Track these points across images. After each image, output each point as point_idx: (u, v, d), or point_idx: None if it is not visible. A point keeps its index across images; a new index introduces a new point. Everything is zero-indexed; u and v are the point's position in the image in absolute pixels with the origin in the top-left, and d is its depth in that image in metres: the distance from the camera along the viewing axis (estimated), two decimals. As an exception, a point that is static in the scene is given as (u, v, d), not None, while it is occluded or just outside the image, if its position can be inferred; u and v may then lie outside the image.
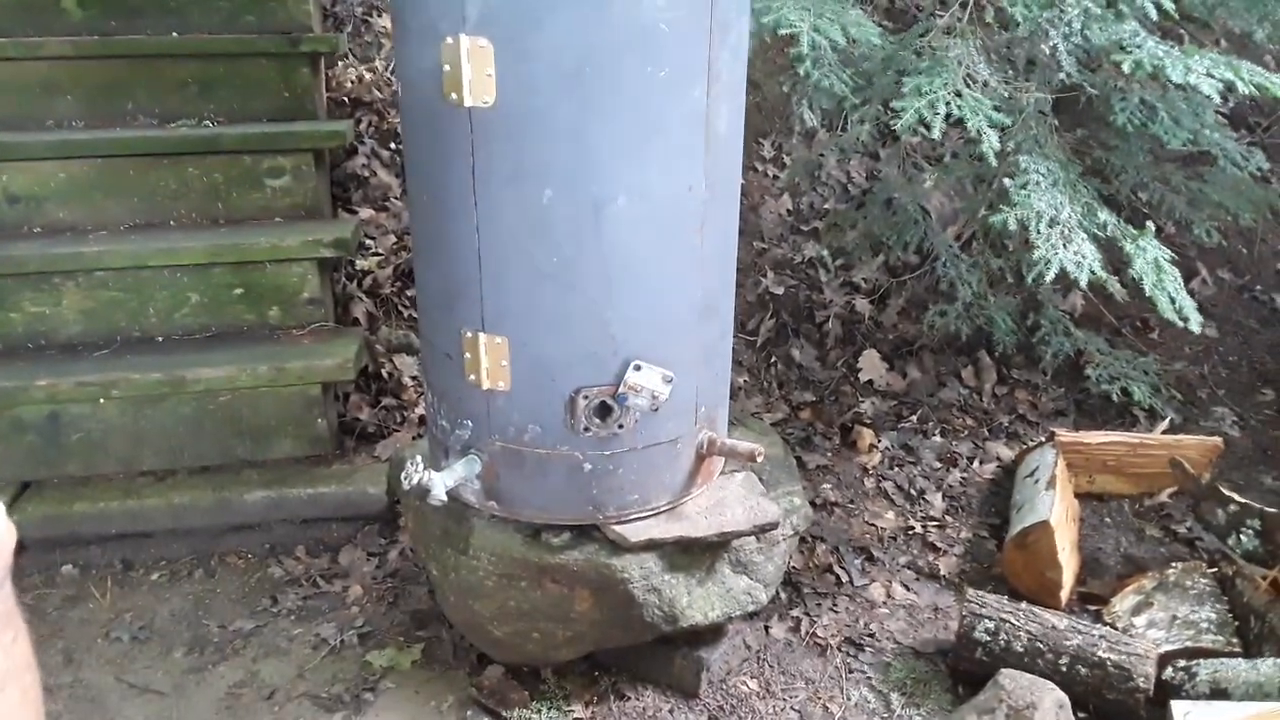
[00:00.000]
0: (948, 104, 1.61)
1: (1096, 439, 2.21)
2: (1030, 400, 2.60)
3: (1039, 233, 1.64)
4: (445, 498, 1.40)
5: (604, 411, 1.44)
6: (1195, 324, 1.71)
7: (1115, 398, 2.51)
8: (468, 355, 1.45)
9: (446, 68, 1.27)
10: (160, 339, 2.12)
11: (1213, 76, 1.62)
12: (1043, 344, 2.60)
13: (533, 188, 1.31)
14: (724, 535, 1.54)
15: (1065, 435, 2.20)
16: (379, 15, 2.98)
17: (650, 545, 1.51)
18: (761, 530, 1.57)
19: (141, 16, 2.47)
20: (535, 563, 1.51)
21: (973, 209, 2.40)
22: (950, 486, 2.29)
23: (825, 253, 2.83)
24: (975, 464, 2.36)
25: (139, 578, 1.95)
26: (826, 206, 2.93)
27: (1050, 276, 1.64)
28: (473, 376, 1.45)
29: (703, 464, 1.59)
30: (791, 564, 1.94)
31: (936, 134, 1.57)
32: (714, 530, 1.53)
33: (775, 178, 3.00)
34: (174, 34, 2.47)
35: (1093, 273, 1.66)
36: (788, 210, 2.96)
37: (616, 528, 1.51)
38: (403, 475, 1.39)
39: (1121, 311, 2.79)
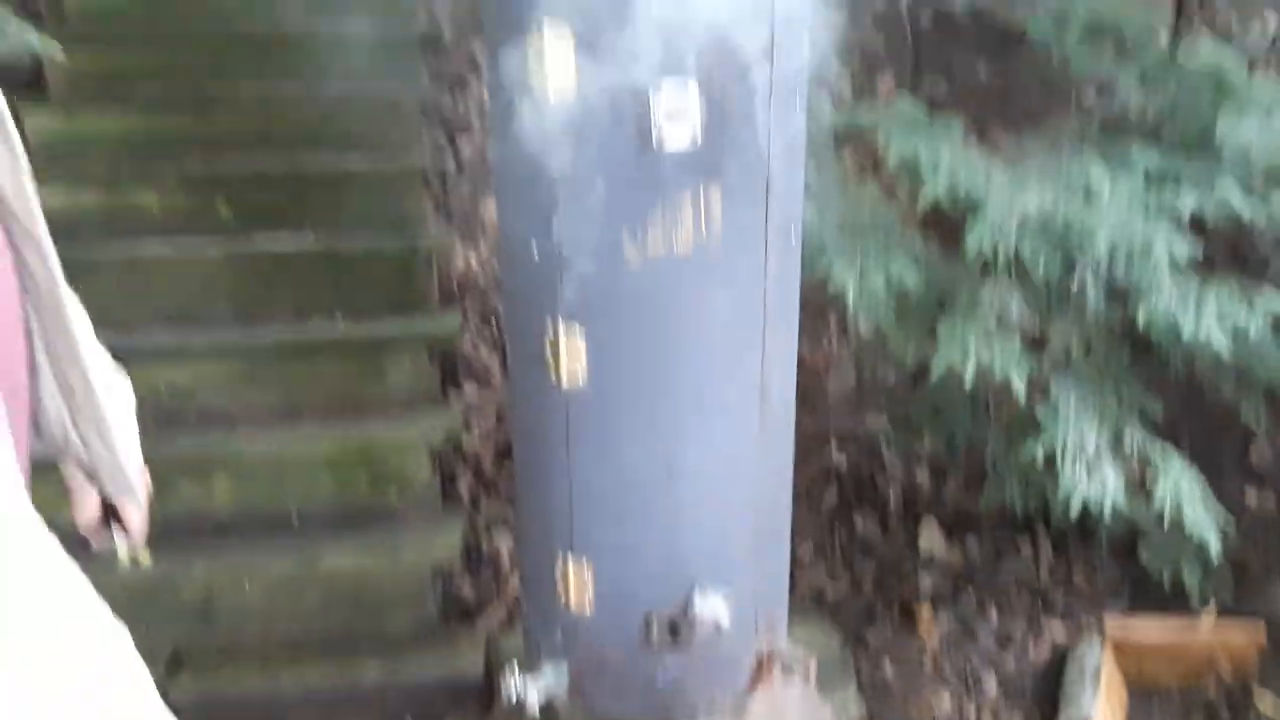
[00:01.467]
0: (978, 353, 1.83)
1: (1143, 626, 2.34)
2: (1086, 578, 2.73)
3: (1063, 465, 1.83)
4: (538, 715, 1.65)
5: (673, 630, 1.67)
6: (1213, 546, 1.86)
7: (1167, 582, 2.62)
8: (558, 577, 1.70)
9: (548, 356, 1.56)
10: (296, 521, 2.44)
11: (1225, 323, 1.81)
12: (1098, 521, 2.74)
13: (615, 450, 1.58)
14: (778, 738, 1.74)
15: (1113, 622, 2.34)
16: (484, 202, 3.35)
17: (713, 745, 1.72)
18: (813, 732, 1.76)
19: (284, 221, 2.86)
20: (613, 759, 1.73)
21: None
22: (1006, 670, 2.43)
23: (887, 424, 3.03)
24: (1030, 645, 2.49)
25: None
26: (889, 382, 3.14)
27: (1075, 510, 1.82)
28: (562, 596, 1.70)
29: (762, 670, 1.80)
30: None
31: (968, 380, 1.79)
32: (769, 733, 1.74)
33: (840, 353, 3.23)
34: (311, 236, 2.87)
35: (1115, 504, 1.84)
36: (851, 383, 3.18)
37: (685, 729, 1.73)
38: (502, 687, 1.65)
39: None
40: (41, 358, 0.91)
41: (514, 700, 1.62)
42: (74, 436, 0.97)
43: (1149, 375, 2.49)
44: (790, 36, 1.46)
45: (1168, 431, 2.70)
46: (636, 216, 1.41)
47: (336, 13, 3.26)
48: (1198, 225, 2.36)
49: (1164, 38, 2.97)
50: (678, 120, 1.32)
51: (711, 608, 1.67)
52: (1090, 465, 1.86)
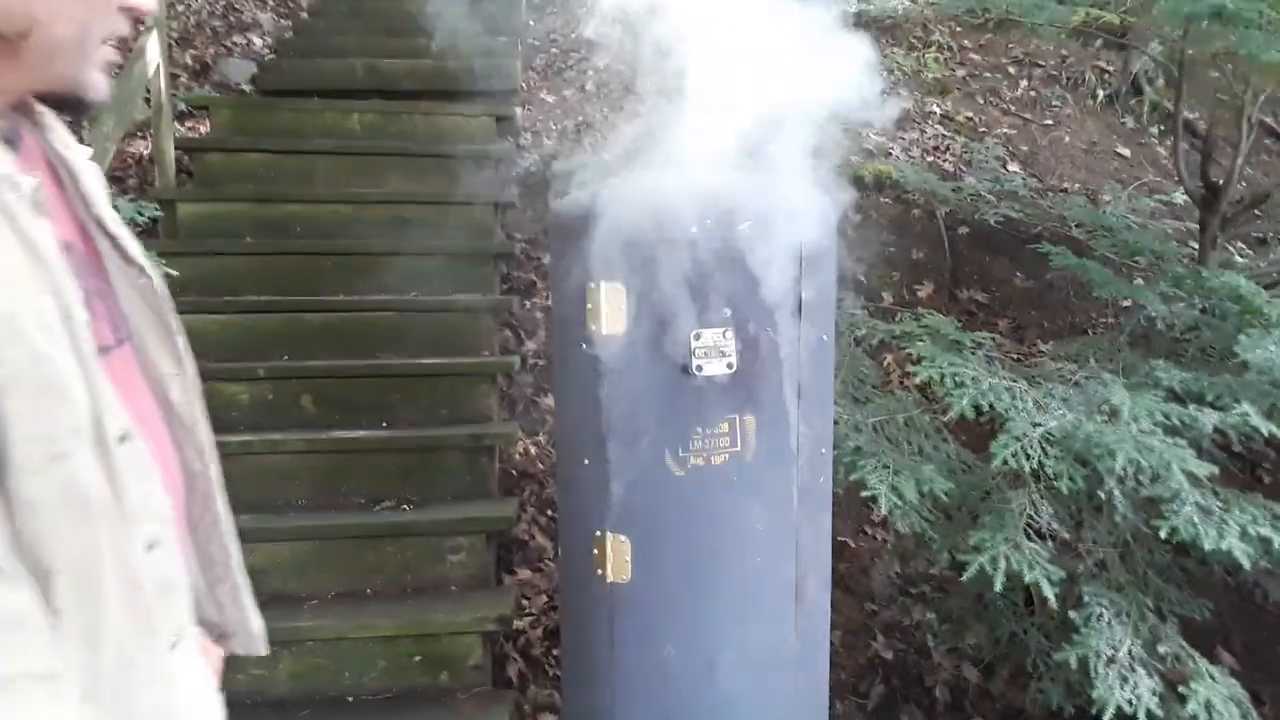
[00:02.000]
0: (1007, 558, 1.92)
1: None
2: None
3: (1097, 673, 1.88)
4: None
5: (711, 829, 1.72)
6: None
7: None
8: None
9: (595, 552, 1.70)
10: (350, 699, 2.54)
11: (1248, 536, 1.89)
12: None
13: (656, 645, 1.69)
14: None
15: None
16: (545, 395, 3.58)
17: None
18: None
19: (360, 412, 3.10)
20: None
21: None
22: None
23: (933, 617, 3.06)
24: None
25: None
26: (933, 571, 3.20)
27: (1108, 715, 1.86)
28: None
29: None
30: None
31: (998, 587, 1.88)
32: None
33: (885, 541, 3.31)
34: (384, 425, 3.09)
35: (1149, 712, 1.88)
36: (896, 573, 3.23)
37: None
38: None
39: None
40: (185, 533, 1.09)
41: None
42: (208, 603, 1.14)
43: (1193, 579, 2.54)
44: (818, 271, 1.66)
45: (1216, 634, 2.72)
46: (678, 436, 1.58)
47: (423, 230, 3.62)
48: (1223, 441, 2.47)
49: (1185, 265, 3.16)
50: (714, 357, 1.51)
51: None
52: (1124, 673, 1.90)
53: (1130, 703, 1.87)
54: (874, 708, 2.88)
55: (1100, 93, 6.11)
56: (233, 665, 2.42)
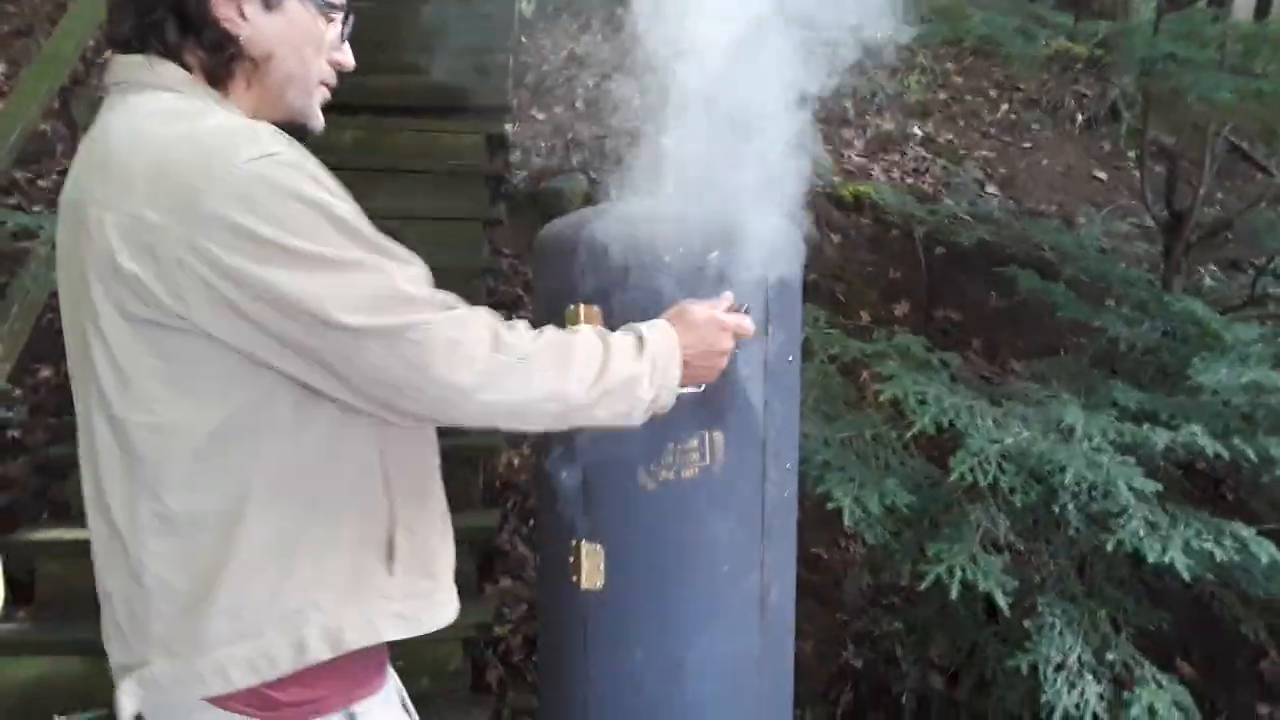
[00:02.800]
0: (963, 569, 2.02)
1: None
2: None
3: (1046, 678, 1.98)
4: None
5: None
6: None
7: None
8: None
9: (570, 560, 1.79)
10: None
11: (1191, 549, 2.00)
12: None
13: (628, 649, 1.78)
14: None
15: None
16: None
17: None
18: None
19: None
20: None
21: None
22: None
23: (900, 627, 3.16)
24: None
25: None
26: (901, 584, 3.29)
27: (1057, 717, 1.96)
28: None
29: None
30: None
31: (954, 595, 1.98)
32: None
33: (856, 554, 3.41)
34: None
35: (1095, 715, 1.98)
36: (868, 584, 3.33)
37: None
38: None
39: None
40: None
41: None
42: None
43: (1153, 592, 2.64)
44: (785, 296, 1.77)
45: (1176, 646, 2.82)
46: (651, 451, 1.67)
47: (410, 245, 3.71)
48: (1185, 459, 2.58)
49: (1149, 288, 3.28)
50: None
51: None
52: (1072, 679, 2.00)
53: (1078, 707, 1.97)
54: (843, 714, 2.97)
55: (1079, 117, 6.26)
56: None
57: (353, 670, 1.21)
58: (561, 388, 1.19)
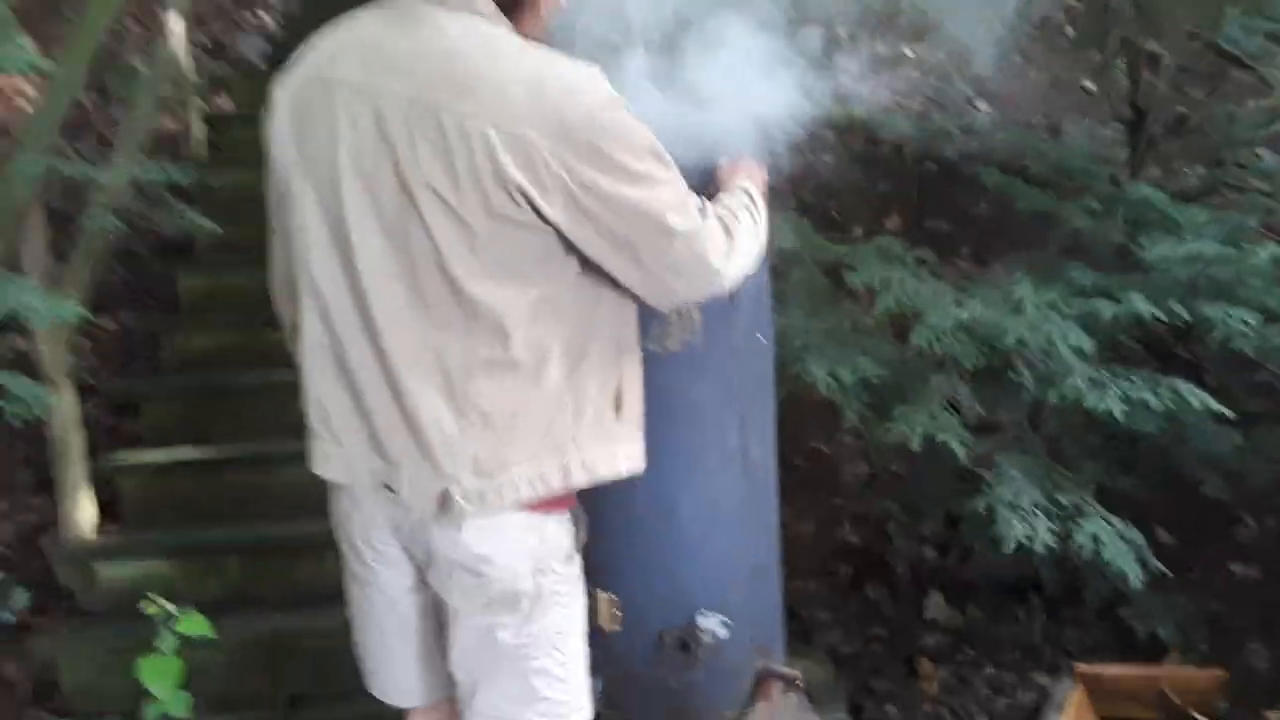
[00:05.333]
0: (924, 425, 2.31)
1: (1113, 671, 2.69)
2: (1077, 636, 3.08)
3: (999, 515, 2.27)
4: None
5: (682, 646, 2.14)
6: (1135, 581, 2.26)
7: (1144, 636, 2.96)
8: (592, 604, 2.19)
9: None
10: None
11: (1129, 399, 2.28)
12: (1085, 588, 3.10)
13: (627, 494, 2.05)
14: (771, 738, 2.16)
15: (1085, 668, 2.69)
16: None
17: (719, 744, 2.15)
18: (802, 735, 2.18)
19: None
20: (639, 754, 2.17)
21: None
22: (997, 712, 2.79)
23: (895, 507, 3.46)
24: (1019, 692, 2.85)
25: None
26: (893, 469, 3.59)
27: (1010, 549, 2.26)
28: (593, 620, 2.18)
29: (761, 685, 2.23)
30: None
31: (915, 447, 2.28)
32: (764, 734, 2.16)
33: (852, 444, 3.70)
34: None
35: (1047, 546, 2.27)
36: (865, 471, 3.63)
37: (696, 731, 2.17)
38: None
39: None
40: None
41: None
42: None
43: (1125, 460, 2.91)
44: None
45: (1145, 510, 3.09)
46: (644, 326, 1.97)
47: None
48: (1135, 330, 2.82)
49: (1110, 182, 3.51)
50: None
51: (712, 628, 2.13)
52: (1024, 516, 2.30)
53: (1028, 538, 2.26)
54: (842, 586, 3.29)
55: (1069, 30, 6.38)
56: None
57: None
58: (750, 257, 1.64)
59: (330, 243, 1.49)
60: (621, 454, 1.60)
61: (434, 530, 1.55)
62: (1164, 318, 2.50)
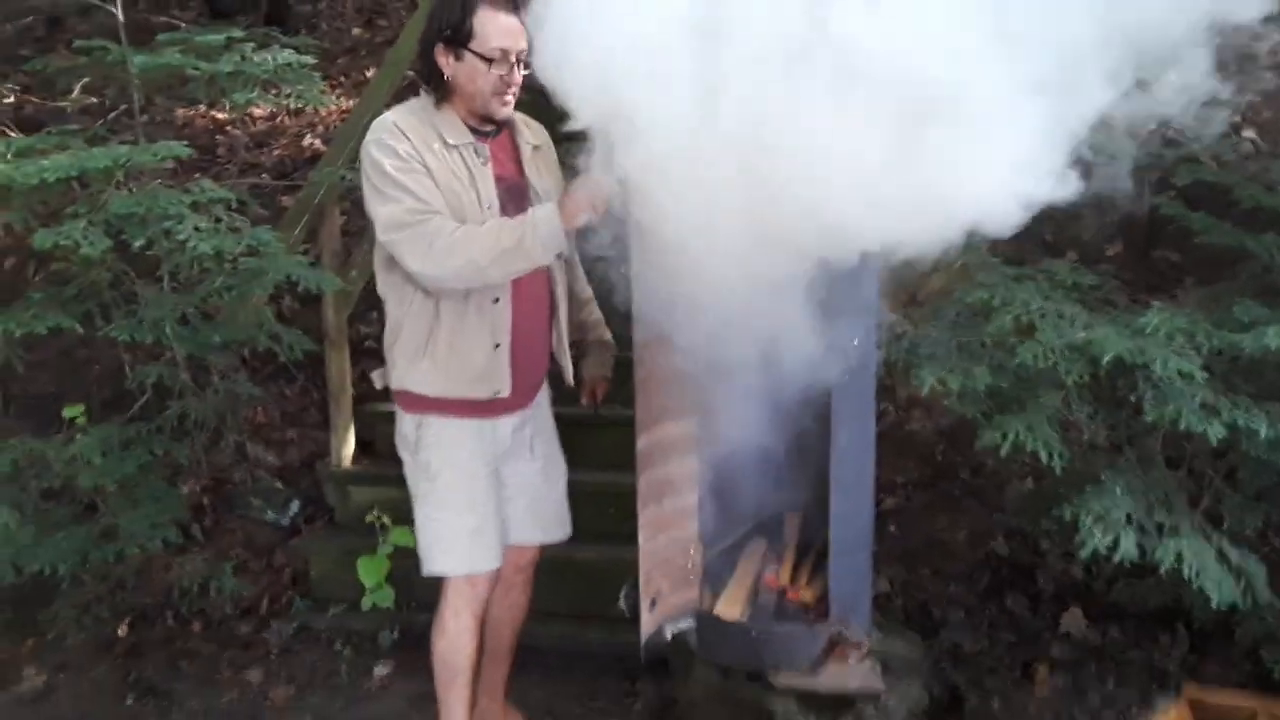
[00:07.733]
0: (1017, 433, 2.48)
1: (1220, 693, 2.68)
2: (1219, 672, 3.01)
3: (1084, 524, 2.40)
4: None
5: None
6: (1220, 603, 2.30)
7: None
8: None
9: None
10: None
11: (1237, 426, 2.33)
12: (1238, 626, 3.03)
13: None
14: (834, 693, 2.44)
15: (1193, 689, 2.70)
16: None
17: (788, 691, 2.47)
18: (863, 695, 2.44)
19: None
20: (720, 689, 2.54)
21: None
22: (1106, 726, 2.84)
23: (1051, 524, 3.51)
24: (1133, 710, 2.87)
25: None
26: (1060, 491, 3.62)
27: (1086, 553, 2.37)
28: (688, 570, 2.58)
29: (834, 646, 2.52)
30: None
31: (1003, 454, 2.45)
32: (828, 688, 2.45)
33: (1020, 461, 3.76)
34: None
35: (1134, 559, 2.36)
36: (1029, 489, 3.69)
37: (770, 677, 2.50)
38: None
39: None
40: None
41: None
42: None
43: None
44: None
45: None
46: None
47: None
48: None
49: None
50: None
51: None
52: (1109, 527, 2.40)
53: (1110, 548, 2.37)
54: (980, 593, 3.41)
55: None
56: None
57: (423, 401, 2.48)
58: (467, 260, 2.26)
59: None
60: (423, 380, 2.48)
61: None
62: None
